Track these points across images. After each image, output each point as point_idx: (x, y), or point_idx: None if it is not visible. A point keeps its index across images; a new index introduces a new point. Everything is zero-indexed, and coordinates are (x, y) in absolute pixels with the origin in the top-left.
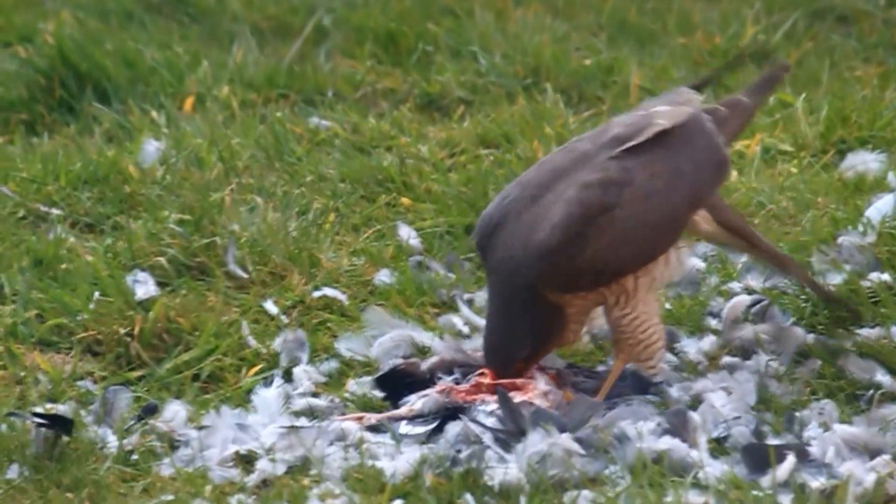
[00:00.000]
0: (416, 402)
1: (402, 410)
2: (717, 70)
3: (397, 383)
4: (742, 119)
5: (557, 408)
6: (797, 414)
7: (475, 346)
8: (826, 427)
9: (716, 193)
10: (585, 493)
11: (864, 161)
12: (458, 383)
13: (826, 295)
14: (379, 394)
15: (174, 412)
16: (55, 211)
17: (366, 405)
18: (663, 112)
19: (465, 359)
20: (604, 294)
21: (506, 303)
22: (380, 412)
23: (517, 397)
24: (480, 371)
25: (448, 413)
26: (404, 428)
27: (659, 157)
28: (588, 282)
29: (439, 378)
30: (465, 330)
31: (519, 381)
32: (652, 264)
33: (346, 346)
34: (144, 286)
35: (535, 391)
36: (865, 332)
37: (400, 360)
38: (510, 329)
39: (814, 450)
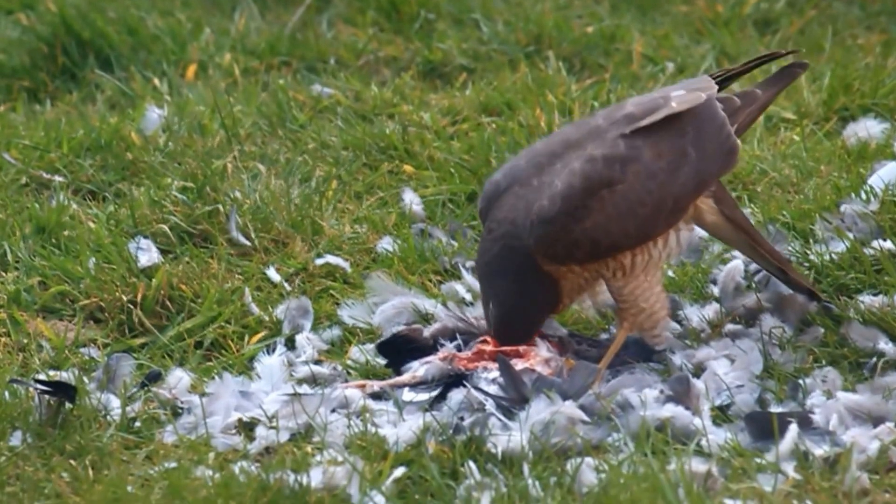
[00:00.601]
0: (418, 368)
1: (405, 377)
2: (744, 65)
3: (399, 349)
4: (755, 111)
5: (559, 374)
6: (800, 382)
7: (477, 314)
8: (829, 395)
9: (723, 187)
10: (588, 460)
11: (867, 129)
12: (459, 350)
13: (824, 306)
14: (381, 360)
15: (177, 379)
16: (58, 178)
17: (368, 372)
18: (678, 96)
19: (467, 326)
20: (600, 270)
21: (502, 270)
22: (382, 379)
23: (519, 364)
24: (482, 339)
25: (450, 380)
26: (407, 395)
27: (667, 138)
28: (584, 253)
29: (442, 345)
30: (468, 297)
31: (521, 348)
32: (651, 244)
33: (349, 313)
34: (147, 253)
35: (537, 358)
36: (868, 300)
37: (402, 327)
38: (521, 305)
39: (817, 418)
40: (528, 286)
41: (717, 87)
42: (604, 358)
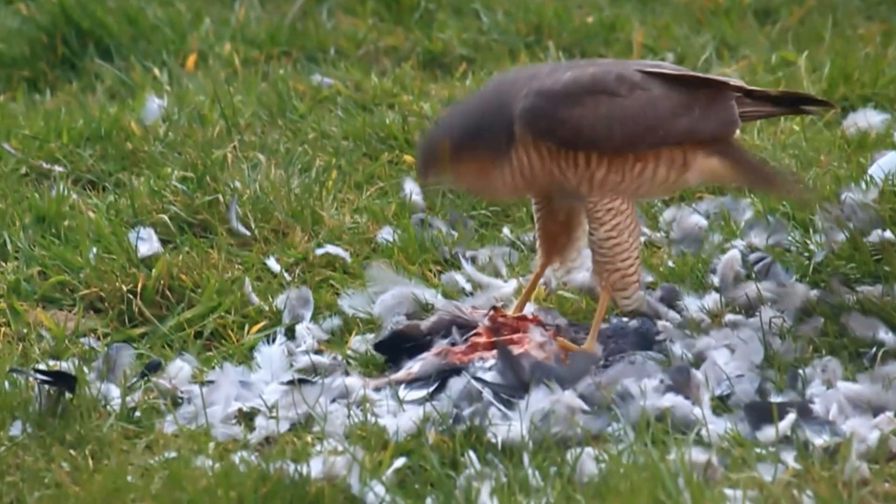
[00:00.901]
0: (413, 366)
1: (401, 374)
2: (775, 93)
3: (397, 347)
4: (761, 113)
5: (555, 359)
6: (800, 371)
7: (476, 304)
8: (829, 384)
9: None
10: (588, 450)
11: (867, 119)
12: (454, 344)
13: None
14: (380, 356)
15: (177, 369)
16: (58, 168)
17: (368, 362)
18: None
19: (463, 319)
20: (568, 168)
21: (480, 108)
22: (381, 371)
23: (514, 350)
24: (475, 332)
25: (447, 373)
26: (403, 392)
27: (679, 90)
28: (563, 135)
29: (437, 339)
30: (468, 287)
31: (515, 335)
32: (628, 164)
33: (349, 303)
34: (147, 243)
35: (532, 343)
36: (868, 290)
37: (400, 322)
38: (479, 122)
39: (817, 407)
40: (493, 134)
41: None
42: (592, 327)
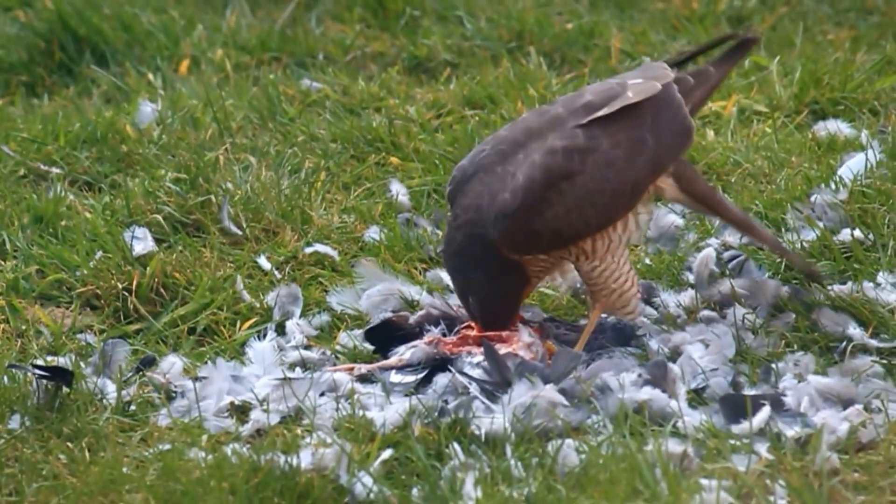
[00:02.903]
0: (405, 352)
1: (392, 360)
2: (700, 47)
3: (387, 336)
4: (709, 89)
5: (540, 359)
6: (773, 365)
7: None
8: (801, 378)
9: (683, 162)
10: (569, 441)
11: (838, 127)
12: (444, 335)
13: (793, 260)
14: (369, 346)
15: (171, 364)
16: (55, 170)
17: (356, 357)
18: (635, 84)
19: (449, 313)
20: (563, 256)
21: (470, 261)
22: (370, 363)
23: (502, 349)
24: (467, 324)
25: (436, 364)
26: (394, 377)
27: (624, 127)
28: (546, 243)
29: (427, 330)
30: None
31: (504, 333)
32: (611, 228)
33: (337, 299)
34: (142, 242)
35: (520, 343)
36: (838, 287)
37: (389, 314)
38: (496, 292)
39: (789, 400)
40: (497, 274)
41: (672, 72)
42: (580, 340)
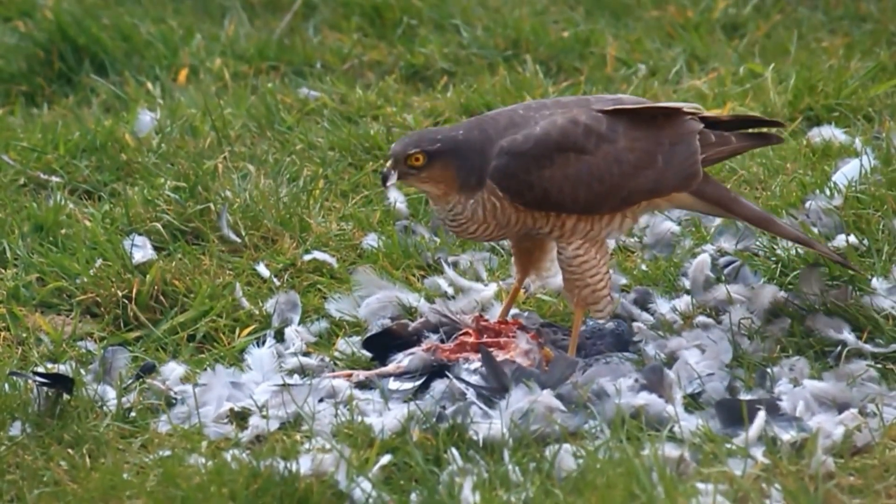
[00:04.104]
0: (402, 359)
1: (390, 367)
2: (730, 116)
3: (385, 345)
4: (724, 153)
5: (537, 366)
6: (768, 370)
7: (459, 307)
8: (796, 382)
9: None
10: (566, 446)
11: (832, 134)
12: (442, 342)
13: (818, 248)
14: (367, 353)
15: (171, 371)
16: (55, 178)
17: (354, 364)
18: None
19: (449, 321)
20: (538, 220)
21: (466, 144)
22: (368, 370)
23: (500, 356)
24: (464, 331)
25: (434, 370)
26: (392, 384)
27: (643, 138)
28: (532, 198)
29: (425, 337)
30: (450, 291)
31: (502, 339)
32: (596, 217)
33: (336, 306)
34: (141, 250)
35: (517, 350)
36: (833, 293)
37: (388, 321)
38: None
39: (784, 404)
40: (470, 162)
41: (701, 124)
42: (570, 343)
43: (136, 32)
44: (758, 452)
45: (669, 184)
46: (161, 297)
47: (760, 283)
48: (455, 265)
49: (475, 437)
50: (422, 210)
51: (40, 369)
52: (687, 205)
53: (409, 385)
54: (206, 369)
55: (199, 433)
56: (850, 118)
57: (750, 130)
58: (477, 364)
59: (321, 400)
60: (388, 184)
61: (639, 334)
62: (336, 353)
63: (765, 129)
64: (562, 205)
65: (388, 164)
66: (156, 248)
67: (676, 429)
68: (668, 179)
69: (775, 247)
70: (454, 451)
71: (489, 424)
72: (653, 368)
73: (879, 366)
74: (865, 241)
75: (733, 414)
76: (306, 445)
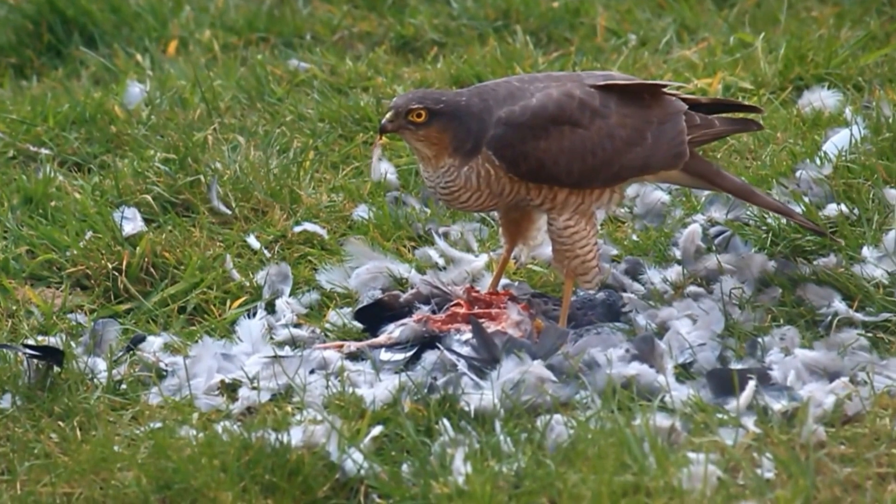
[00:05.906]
0: (394, 330)
1: (381, 338)
2: (711, 99)
3: (376, 316)
4: (707, 137)
5: (528, 337)
6: (759, 340)
7: (450, 279)
8: (787, 352)
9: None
10: (558, 417)
11: (821, 99)
12: (434, 313)
13: (797, 218)
14: (359, 325)
15: (161, 343)
16: (44, 151)
17: (346, 335)
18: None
19: (440, 292)
20: (531, 192)
21: (466, 110)
22: (359, 341)
23: (491, 327)
24: (455, 302)
25: (425, 341)
26: (384, 355)
27: (633, 115)
28: (525, 169)
29: (416, 308)
30: (441, 262)
31: (493, 310)
32: (588, 191)
33: (327, 278)
34: (131, 222)
35: (508, 321)
36: (823, 261)
37: (379, 292)
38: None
39: (775, 374)
40: (467, 128)
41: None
42: (561, 313)
43: (126, 4)
44: (749, 422)
45: (658, 162)
46: (151, 270)
47: (751, 253)
48: (446, 236)
49: (466, 408)
50: (412, 181)
51: (30, 342)
52: (673, 179)
53: (400, 356)
54: (196, 341)
55: (189, 405)
56: (840, 87)
57: (731, 115)
58: (468, 335)
59: (312, 371)
60: (385, 132)
61: (629, 304)
62: (327, 325)
63: (750, 116)
64: (555, 177)
65: (388, 115)
66: (146, 220)
67: (668, 399)
68: (656, 158)
69: (766, 216)
70: (446, 421)
71: (480, 395)
72: (644, 338)
73: (870, 334)
74: (856, 211)
75: (724, 383)
76: (297, 417)
